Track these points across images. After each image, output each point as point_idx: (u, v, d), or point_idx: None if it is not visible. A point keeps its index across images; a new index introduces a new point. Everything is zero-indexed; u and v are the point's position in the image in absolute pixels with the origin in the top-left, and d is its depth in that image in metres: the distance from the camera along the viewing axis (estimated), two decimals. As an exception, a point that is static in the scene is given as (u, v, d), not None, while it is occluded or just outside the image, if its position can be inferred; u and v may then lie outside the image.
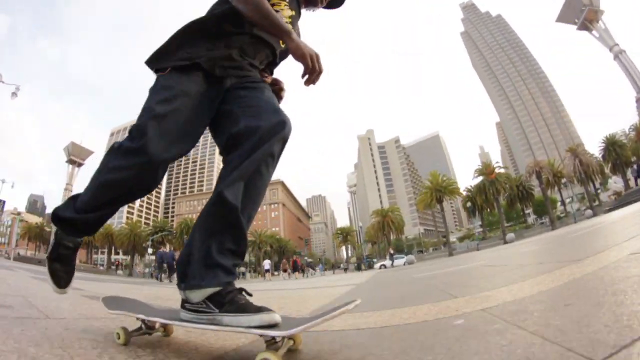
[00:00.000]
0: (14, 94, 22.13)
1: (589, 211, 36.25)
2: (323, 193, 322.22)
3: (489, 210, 50.99)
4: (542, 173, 50.59)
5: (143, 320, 1.38)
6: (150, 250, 46.04)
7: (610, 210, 23.79)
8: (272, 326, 1.08)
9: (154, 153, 1.25)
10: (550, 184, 55.65)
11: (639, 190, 24.35)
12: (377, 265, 36.22)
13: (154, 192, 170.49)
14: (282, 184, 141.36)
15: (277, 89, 1.66)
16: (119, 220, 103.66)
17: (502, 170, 48.55)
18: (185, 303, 1.25)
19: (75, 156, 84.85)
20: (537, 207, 69.25)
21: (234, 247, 1.26)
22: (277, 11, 1.48)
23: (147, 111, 1.30)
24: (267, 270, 29.32)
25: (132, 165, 1.28)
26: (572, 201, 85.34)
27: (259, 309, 1.13)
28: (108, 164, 1.33)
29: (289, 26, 1.39)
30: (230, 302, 1.17)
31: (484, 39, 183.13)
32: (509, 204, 57.63)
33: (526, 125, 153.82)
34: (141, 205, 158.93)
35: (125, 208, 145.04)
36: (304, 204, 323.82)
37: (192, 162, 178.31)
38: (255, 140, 1.27)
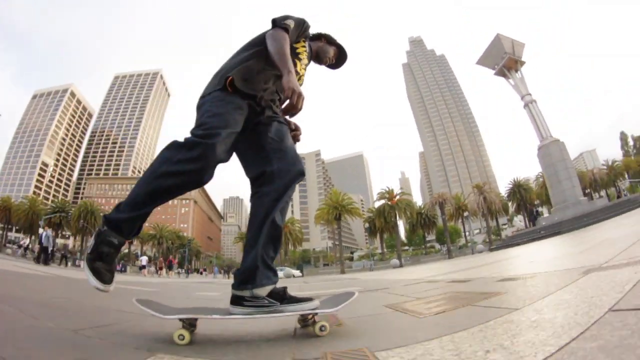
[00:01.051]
0: None
1: (481, 246, 38.56)
2: (242, 195, 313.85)
3: (389, 233, 52.39)
4: (444, 204, 53.21)
5: (184, 320, 1.48)
6: (40, 230, 41.12)
7: (493, 249, 25.08)
8: (318, 308, 1.61)
9: (219, 153, 1.53)
10: (452, 215, 59.06)
11: (525, 233, 25.83)
12: None
13: (66, 169, 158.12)
14: None
15: (297, 133, 2.04)
16: (22, 195, 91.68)
17: (405, 197, 49.99)
18: (244, 300, 1.60)
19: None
20: (439, 235, 73.23)
21: (274, 255, 1.72)
22: (300, 59, 1.94)
23: (221, 117, 1.58)
24: (143, 267, 28.24)
25: (199, 159, 1.49)
26: (480, 233, 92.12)
27: (309, 299, 1.65)
28: (172, 157, 1.49)
29: (292, 66, 1.63)
30: (289, 297, 1.63)
31: (423, 73, 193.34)
32: (411, 229, 59.95)
33: (446, 159, 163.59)
34: (50, 181, 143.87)
35: (33, 182, 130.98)
36: (220, 203, 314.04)
37: (112, 144, 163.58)
38: (286, 181, 1.72)
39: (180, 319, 1.45)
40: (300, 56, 1.94)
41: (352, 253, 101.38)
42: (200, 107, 1.68)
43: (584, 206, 23.07)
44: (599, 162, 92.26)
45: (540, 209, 54.02)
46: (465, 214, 55.77)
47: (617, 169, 67.40)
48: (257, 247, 1.64)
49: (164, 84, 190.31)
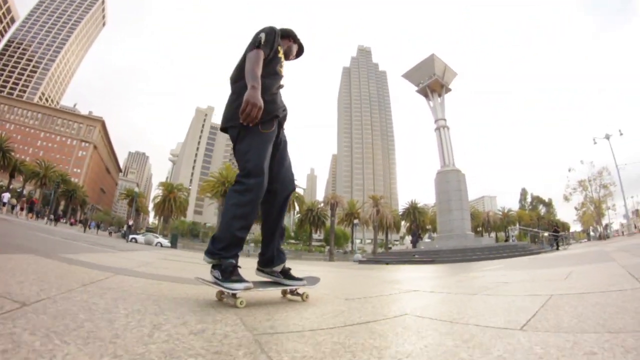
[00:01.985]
0: None
1: (359, 255, 37.43)
2: (149, 152, 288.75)
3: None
4: (336, 207, 51.69)
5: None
6: None
7: (362, 262, 23.00)
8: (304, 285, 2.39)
9: (265, 184, 2.09)
10: (343, 220, 58.14)
11: (398, 253, 24.08)
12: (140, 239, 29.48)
13: None
14: (103, 123, 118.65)
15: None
16: None
17: (300, 191, 47.10)
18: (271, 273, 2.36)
19: None
20: (327, 236, 72.89)
21: (281, 244, 2.41)
22: (280, 61, 2.32)
23: (260, 155, 2.06)
24: (4, 204, 25.99)
25: (255, 197, 2.05)
26: (371, 243, 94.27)
27: (302, 278, 2.39)
28: (239, 203, 2.01)
29: (257, 81, 1.98)
30: (291, 275, 2.35)
31: (360, 82, 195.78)
32: (300, 224, 57.90)
33: (356, 167, 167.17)
34: None
35: None
36: (124, 156, 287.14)
37: (27, 60, 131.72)
38: (283, 198, 2.32)
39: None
40: (280, 60, 2.31)
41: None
42: (241, 139, 2.09)
43: (469, 241, 22.11)
44: (497, 208, 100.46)
45: (432, 234, 56.25)
46: (356, 221, 54.97)
47: (510, 217, 73.82)
48: (274, 241, 2.32)
49: (103, 10, 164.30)
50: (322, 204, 54.81)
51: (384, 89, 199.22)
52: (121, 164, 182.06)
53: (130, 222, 33.58)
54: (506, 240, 43.28)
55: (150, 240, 29.08)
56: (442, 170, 25.67)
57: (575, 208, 53.22)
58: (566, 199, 51.77)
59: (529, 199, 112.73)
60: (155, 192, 63.91)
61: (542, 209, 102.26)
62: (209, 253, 1.99)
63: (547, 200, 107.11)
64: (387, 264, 16.40)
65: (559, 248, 19.83)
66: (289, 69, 2.48)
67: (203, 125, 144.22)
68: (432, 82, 28.93)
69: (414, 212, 59.42)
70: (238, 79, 2.16)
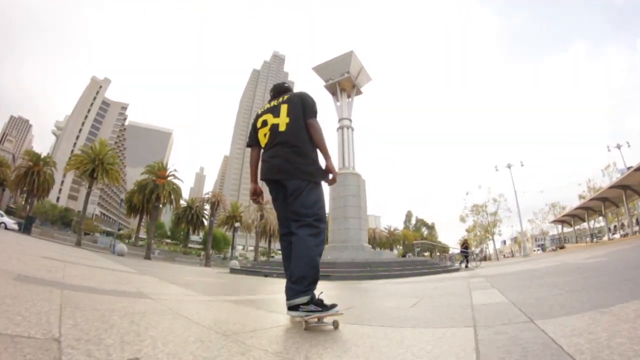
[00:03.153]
0: None
1: (235, 262, 33.32)
2: (33, 120, 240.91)
3: (150, 216, 41.97)
4: (217, 206, 45.94)
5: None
6: None
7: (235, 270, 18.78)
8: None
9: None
10: (224, 222, 52.58)
11: (278, 264, 19.86)
12: None
13: None
14: None
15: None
16: None
17: (179, 183, 40.06)
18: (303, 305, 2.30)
19: None
20: (205, 238, 65.87)
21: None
22: None
23: (324, 205, 2.57)
24: None
25: (324, 235, 2.52)
26: (253, 250, 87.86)
27: (334, 305, 2.31)
28: (318, 244, 2.40)
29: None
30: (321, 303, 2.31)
31: (266, 87, 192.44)
32: (176, 221, 50.69)
33: (246, 171, 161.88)
34: None
35: None
36: (4, 120, 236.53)
37: None
38: None
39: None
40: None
41: (119, 230, 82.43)
42: (309, 191, 2.46)
43: (367, 254, 19.28)
44: (382, 226, 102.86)
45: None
46: (237, 224, 49.76)
47: (396, 235, 77.22)
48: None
49: None
50: (201, 201, 48.36)
51: None
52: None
53: None
54: (404, 256, 42.97)
55: None
56: (340, 172, 22.90)
57: (467, 230, 56.36)
58: (462, 219, 54.13)
59: (413, 221, 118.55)
60: (19, 163, 50.95)
61: (425, 231, 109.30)
62: (301, 293, 2.26)
63: (430, 224, 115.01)
64: (265, 275, 12.51)
65: (468, 266, 18.14)
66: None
67: (95, 98, 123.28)
68: (344, 79, 26.50)
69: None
70: (305, 142, 2.51)
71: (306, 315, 2.19)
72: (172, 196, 37.47)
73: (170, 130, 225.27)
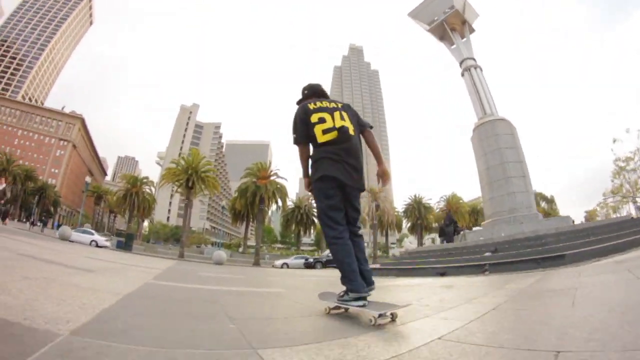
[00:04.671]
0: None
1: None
2: (138, 157, 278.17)
3: (255, 220, 40.30)
4: None
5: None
6: None
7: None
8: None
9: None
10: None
11: (441, 250, 15.01)
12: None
13: None
14: (83, 121, 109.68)
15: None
16: None
17: (280, 181, 37.05)
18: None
19: None
20: (318, 238, 63.62)
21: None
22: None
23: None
24: None
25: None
26: (367, 247, 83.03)
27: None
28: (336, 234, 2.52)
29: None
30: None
31: (351, 82, 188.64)
32: (285, 223, 48.56)
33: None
34: None
35: None
36: (113, 161, 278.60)
37: (11, 58, 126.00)
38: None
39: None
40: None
41: (231, 240, 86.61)
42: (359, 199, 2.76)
43: (541, 224, 12.92)
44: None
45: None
46: None
47: None
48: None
49: (90, 8, 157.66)
50: (309, 200, 45.06)
51: (376, 87, 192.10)
52: (110, 169, 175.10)
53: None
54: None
55: (65, 235, 19.89)
56: (482, 121, 16.68)
57: (612, 192, 44.11)
58: (617, 174, 41.31)
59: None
60: (119, 187, 55.42)
61: (544, 205, 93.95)
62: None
63: (549, 197, 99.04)
64: (442, 274, 7.43)
65: None
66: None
67: (187, 124, 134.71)
68: (451, 15, 20.84)
69: (418, 208, 49.96)
70: (360, 152, 2.67)
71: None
72: (277, 196, 34.67)
73: (267, 142, 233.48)
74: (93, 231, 25.66)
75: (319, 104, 2.68)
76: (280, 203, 36.27)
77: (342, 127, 2.56)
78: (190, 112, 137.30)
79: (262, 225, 37.26)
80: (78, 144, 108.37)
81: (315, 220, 47.67)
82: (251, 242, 56.23)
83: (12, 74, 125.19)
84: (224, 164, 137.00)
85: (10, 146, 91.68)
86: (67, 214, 74.77)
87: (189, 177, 31.04)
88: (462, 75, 19.63)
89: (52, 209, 70.67)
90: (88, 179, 38.25)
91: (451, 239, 16.95)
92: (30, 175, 61.48)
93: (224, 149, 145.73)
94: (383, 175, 2.68)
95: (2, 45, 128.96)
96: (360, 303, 2.30)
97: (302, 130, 2.63)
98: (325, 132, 2.55)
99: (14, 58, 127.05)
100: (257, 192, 33.77)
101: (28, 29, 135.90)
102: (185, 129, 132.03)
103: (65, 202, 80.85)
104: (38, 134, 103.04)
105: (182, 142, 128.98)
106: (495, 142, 15.49)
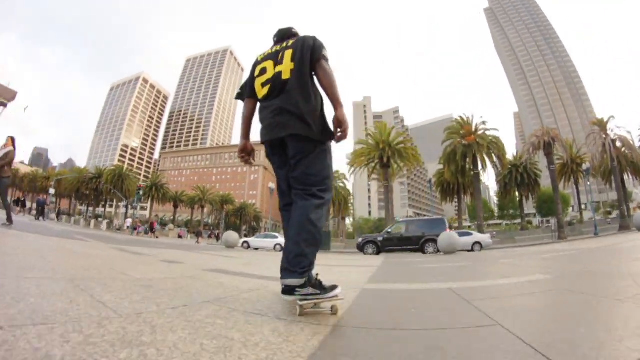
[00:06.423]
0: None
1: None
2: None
3: (466, 192, 34.27)
4: (553, 146, 28.83)
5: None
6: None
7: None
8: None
9: None
10: (565, 169, 38.34)
11: None
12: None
13: (147, 148, 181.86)
14: None
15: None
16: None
17: (491, 133, 29.47)
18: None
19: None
20: (542, 203, 51.92)
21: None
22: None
23: (331, 177, 2.13)
24: (135, 229, 32.61)
25: (328, 207, 2.17)
26: (586, 209, 63.47)
27: (334, 287, 2.00)
28: (319, 217, 1.99)
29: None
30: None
31: (508, 16, 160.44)
32: (503, 189, 40.42)
33: (545, 116, 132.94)
34: (133, 159, 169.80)
35: (115, 162, 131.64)
36: None
37: (190, 121, 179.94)
38: None
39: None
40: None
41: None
42: (316, 155, 2.04)
43: None
44: None
45: None
46: (585, 165, 33.65)
47: None
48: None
49: (235, 59, 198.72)
50: (531, 149, 34.09)
51: (535, 8, 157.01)
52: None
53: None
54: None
55: (229, 242, 18.15)
56: None
57: None
58: None
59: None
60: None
61: None
62: (296, 275, 1.87)
63: None
64: None
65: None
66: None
67: (365, 117, 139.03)
68: None
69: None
70: (312, 94, 2.06)
71: (302, 300, 1.90)
72: (493, 153, 28.17)
73: (449, 116, 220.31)
74: (277, 234, 24.83)
75: (270, 50, 2.27)
76: (497, 163, 29.36)
77: (275, 74, 2.12)
78: (365, 106, 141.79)
79: (480, 195, 30.86)
80: (268, 165, 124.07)
81: (538, 178, 38.48)
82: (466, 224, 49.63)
83: (195, 131, 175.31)
84: (415, 146, 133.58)
85: (209, 183, 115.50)
86: (271, 227, 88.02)
87: (381, 153, 27.91)
88: None
89: (254, 223, 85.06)
90: (271, 185, 39.75)
91: None
92: (227, 199, 74.22)
93: (409, 133, 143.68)
94: (340, 125, 2.00)
95: (179, 115, 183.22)
96: None
97: (247, 83, 2.33)
98: (264, 84, 2.17)
99: (193, 120, 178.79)
100: (468, 152, 28.04)
101: (194, 95, 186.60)
102: (365, 123, 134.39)
103: (267, 216, 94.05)
104: (230, 167, 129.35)
105: (366, 136, 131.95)
106: None
